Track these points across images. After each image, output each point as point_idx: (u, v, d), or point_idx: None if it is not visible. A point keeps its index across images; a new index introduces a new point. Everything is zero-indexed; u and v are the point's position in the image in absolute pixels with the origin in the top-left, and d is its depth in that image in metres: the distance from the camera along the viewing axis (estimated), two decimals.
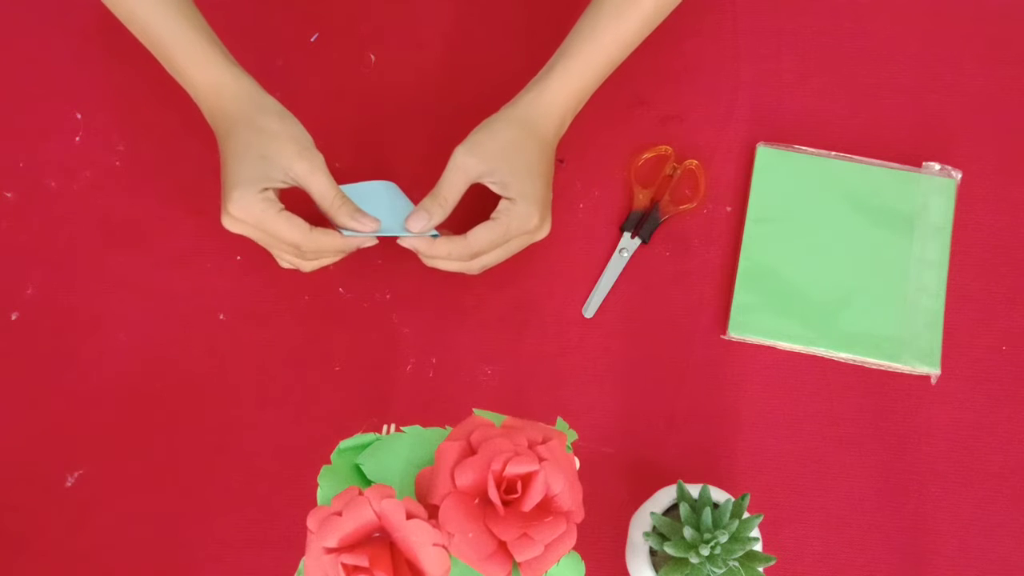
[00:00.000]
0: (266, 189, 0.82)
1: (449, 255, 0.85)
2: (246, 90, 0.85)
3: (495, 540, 0.59)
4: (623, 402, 0.89)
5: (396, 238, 0.86)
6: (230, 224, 0.83)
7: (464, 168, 0.84)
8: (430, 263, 0.87)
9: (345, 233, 0.84)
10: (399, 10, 1.02)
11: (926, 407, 0.88)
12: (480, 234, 0.84)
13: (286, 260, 0.88)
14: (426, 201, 0.85)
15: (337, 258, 0.88)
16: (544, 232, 0.88)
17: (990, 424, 0.88)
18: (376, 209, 0.86)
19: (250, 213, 0.82)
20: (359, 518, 0.57)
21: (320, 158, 0.83)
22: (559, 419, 0.68)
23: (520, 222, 0.84)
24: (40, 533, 0.88)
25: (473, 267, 0.87)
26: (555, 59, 0.88)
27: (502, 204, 0.84)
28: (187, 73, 0.86)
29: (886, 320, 0.90)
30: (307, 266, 0.88)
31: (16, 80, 1.01)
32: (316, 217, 0.85)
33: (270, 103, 0.85)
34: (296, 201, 0.84)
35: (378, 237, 0.86)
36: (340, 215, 0.84)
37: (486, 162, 0.84)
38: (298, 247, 0.84)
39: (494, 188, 0.84)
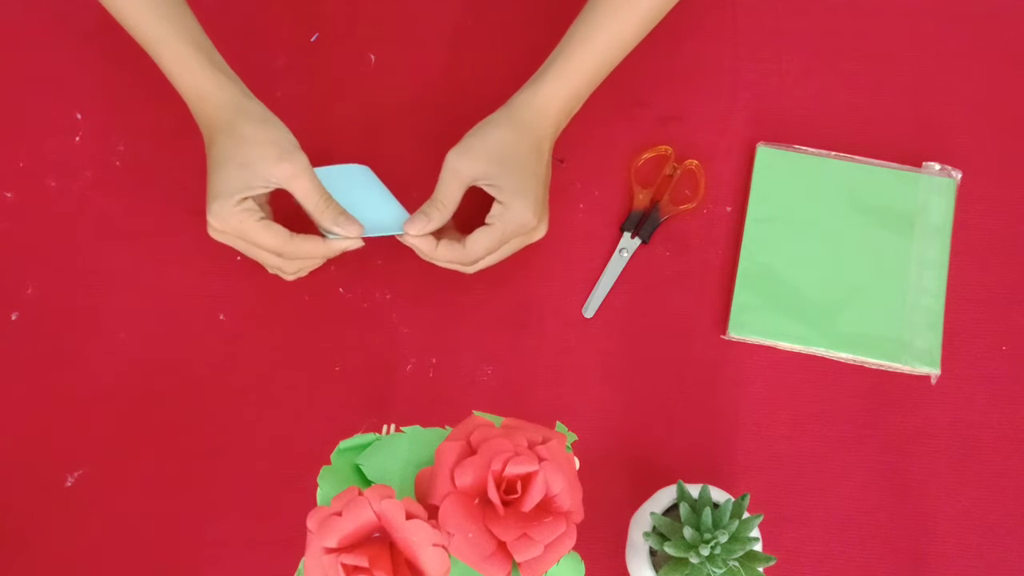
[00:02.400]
0: (245, 199, 0.82)
1: (449, 262, 0.86)
2: (229, 97, 0.85)
3: (495, 540, 0.59)
4: (623, 402, 0.89)
5: (393, 238, 0.87)
6: (214, 235, 0.84)
7: (457, 171, 0.84)
8: (427, 259, 0.87)
9: (329, 236, 0.84)
10: (399, 10, 1.02)
11: (926, 407, 0.88)
12: (478, 240, 0.84)
13: (271, 266, 0.88)
14: (426, 206, 0.85)
15: (322, 262, 0.89)
16: (541, 232, 0.87)
17: (990, 424, 0.88)
18: (351, 195, 0.86)
19: (229, 224, 0.82)
20: (359, 518, 0.57)
21: (303, 160, 0.83)
22: (558, 423, 0.68)
23: (516, 225, 0.84)
24: (40, 533, 0.88)
25: (470, 269, 0.87)
26: (551, 59, 0.87)
27: (495, 208, 0.84)
28: (175, 78, 0.86)
29: (886, 320, 0.90)
30: (290, 276, 0.89)
31: (16, 80, 1.01)
32: (303, 219, 0.85)
33: (253, 109, 0.85)
34: (282, 202, 0.84)
35: (363, 238, 0.86)
36: (324, 218, 0.84)
37: (478, 165, 0.84)
38: (280, 254, 0.84)
39: (489, 191, 0.84)
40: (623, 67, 0.90)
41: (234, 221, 0.82)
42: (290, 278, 0.89)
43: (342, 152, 0.96)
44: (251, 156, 0.82)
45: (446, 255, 0.85)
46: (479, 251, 0.85)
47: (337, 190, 0.84)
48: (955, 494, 0.86)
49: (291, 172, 0.82)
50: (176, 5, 0.87)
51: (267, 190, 0.83)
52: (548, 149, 0.88)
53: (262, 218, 0.83)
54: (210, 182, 0.83)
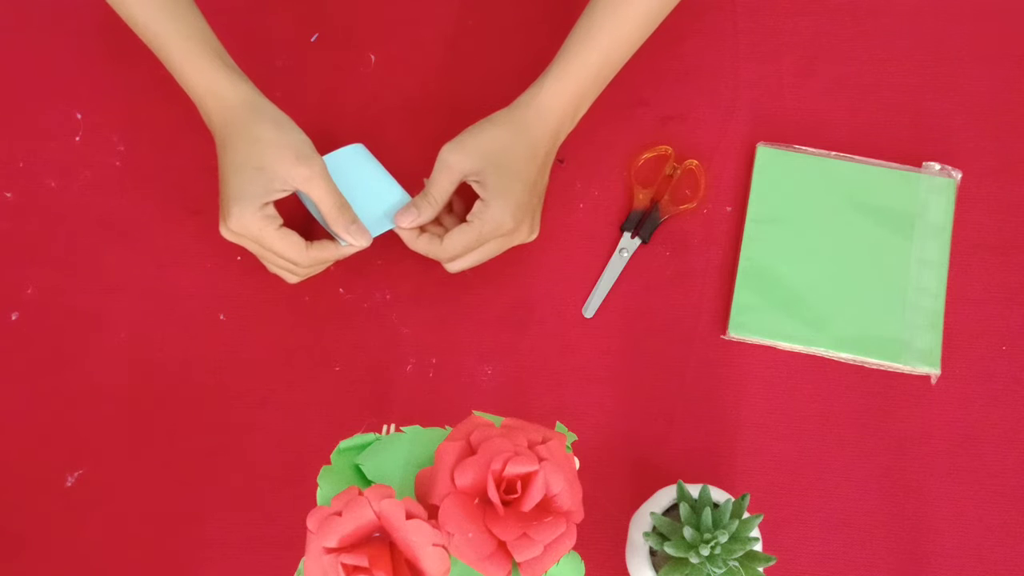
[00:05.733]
0: (266, 204, 0.82)
1: (427, 254, 0.87)
2: (242, 98, 0.85)
3: (495, 540, 0.59)
4: (623, 402, 0.89)
5: (393, 234, 0.87)
6: (228, 236, 0.84)
7: (448, 165, 0.84)
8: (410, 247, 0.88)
9: (342, 244, 0.85)
10: (399, 10, 1.02)
11: (926, 407, 0.88)
12: (454, 239, 0.84)
13: (278, 267, 0.88)
14: (417, 199, 0.86)
15: (327, 266, 0.89)
16: (522, 237, 0.87)
17: (990, 424, 0.88)
18: (351, 183, 0.87)
19: (249, 229, 0.82)
20: (359, 518, 0.57)
21: (319, 163, 0.83)
22: (558, 423, 0.68)
23: (492, 226, 0.84)
24: (40, 533, 0.88)
25: (452, 267, 0.87)
26: (553, 61, 0.87)
27: (476, 206, 0.85)
28: (184, 77, 0.86)
29: (886, 320, 0.90)
30: (294, 280, 0.89)
31: (16, 80, 1.01)
32: (302, 219, 0.85)
33: (267, 110, 0.85)
34: (280, 204, 0.84)
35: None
36: (337, 225, 0.84)
37: (469, 160, 0.84)
38: (294, 263, 0.85)
39: (475, 188, 0.85)
40: (623, 67, 0.90)
41: (254, 227, 0.82)
42: (294, 280, 0.89)
43: None
44: (268, 159, 0.82)
45: (424, 248, 0.86)
46: (456, 248, 0.85)
47: (338, 178, 0.85)
48: (955, 494, 0.86)
49: (308, 175, 0.82)
50: (185, 4, 0.87)
51: (286, 193, 0.83)
52: (546, 154, 0.87)
53: (281, 226, 0.83)
54: (227, 184, 0.83)
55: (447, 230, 0.86)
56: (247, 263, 0.92)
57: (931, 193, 0.93)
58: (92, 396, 0.91)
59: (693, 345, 0.91)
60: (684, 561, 0.72)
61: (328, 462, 0.65)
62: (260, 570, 0.86)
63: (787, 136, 0.96)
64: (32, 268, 0.95)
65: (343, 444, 0.66)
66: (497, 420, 0.63)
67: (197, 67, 0.85)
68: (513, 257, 0.90)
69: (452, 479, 0.60)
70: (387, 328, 0.92)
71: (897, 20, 1.00)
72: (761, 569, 0.72)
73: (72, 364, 0.92)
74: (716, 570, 0.71)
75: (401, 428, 0.67)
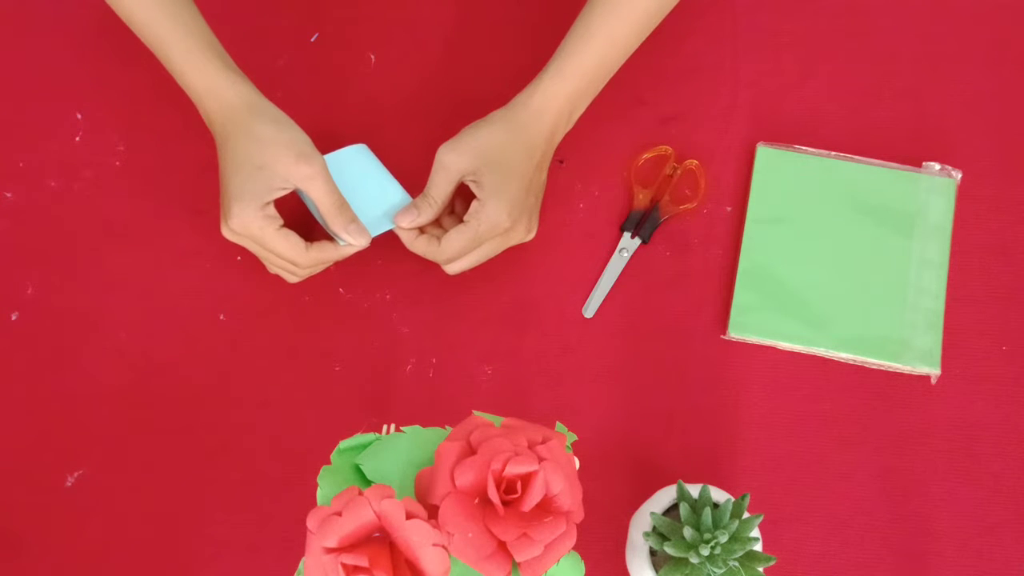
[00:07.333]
0: (267, 204, 0.82)
1: (425, 255, 0.87)
2: (242, 96, 0.85)
3: (495, 540, 0.59)
4: (623, 402, 0.89)
5: (394, 234, 0.88)
6: (229, 235, 0.84)
7: (445, 166, 0.85)
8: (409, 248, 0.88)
9: (340, 243, 0.85)
10: (399, 10, 1.02)
11: (926, 407, 0.88)
12: (451, 239, 0.84)
13: (278, 268, 0.88)
14: (418, 199, 0.86)
15: (327, 266, 0.90)
16: (519, 236, 0.87)
17: (990, 424, 0.88)
18: (353, 182, 0.87)
19: (249, 229, 0.82)
20: (359, 518, 0.57)
21: (319, 161, 0.83)
22: (558, 423, 0.68)
23: (489, 225, 0.84)
24: (40, 533, 0.88)
25: (451, 269, 0.87)
26: (550, 61, 0.87)
27: (473, 205, 0.85)
28: (184, 77, 0.86)
29: (886, 320, 0.90)
30: (295, 279, 0.89)
31: (16, 80, 1.01)
32: (302, 217, 0.85)
33: (266, 109, 0.85)
34: (279, 202, 0.85)
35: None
36: (336, 224, 0.84)
37: (465, 160, 0.84)
38: (294, 264, 0.85)
39: (472, 187, 0.85)
40: (623, 67, 0.90)
41: (254, 227, 0.82)
42: (294, 280, 0.89)
43: None
44: (268, 158, 0.82)
45: (423, 249, 0.87)
46: (453, 249, 0.85)
47: (339, 177, 0.85)
48: (955, 494, 0.86)
49: (308, 174, 0.82)
50: (185, 4, 0.87)
51: (286, 191, 0.83)
52: (542, 154, 0.87)
53: (281, 226, 0.83)
54: (227, 184, 0.83)
55: (447, 232, 0.86)
56: (247, 263, 0.92)
57: (931, 193, 0.93)
58: (92, 396, 0.91)
59: (693, 345, 0.91)
60: (684, 561, 0.72)
61: (328, 462, 0.65)
62: (260, 570, 0.86)
63: (787, 136, 0.96)
64: (32, 268, 0.95)
65: (343, 444, 0.66)
66: (497, 420, 0.63)
67: (197, 67, 0.85)
68: (513, 257, 0.90)
69: (452, 479, 0.60)
70: (387, 328, 0.92)
71: (897, 20, 1.00)
72: (761, 569, 0.72)
73: (72, 364, 0.92)
74: (716, 570, 0.71)
75: (401, 428, 0.67)
